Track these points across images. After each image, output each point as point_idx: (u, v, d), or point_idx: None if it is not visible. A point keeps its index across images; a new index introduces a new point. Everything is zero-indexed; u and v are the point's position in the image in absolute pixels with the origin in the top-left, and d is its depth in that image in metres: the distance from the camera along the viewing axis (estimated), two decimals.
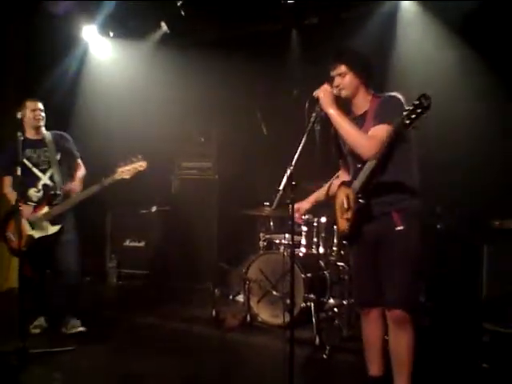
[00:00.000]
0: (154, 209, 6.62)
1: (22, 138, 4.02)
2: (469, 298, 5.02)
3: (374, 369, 3.15)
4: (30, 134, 4.40)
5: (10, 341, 3.70)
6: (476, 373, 3.63)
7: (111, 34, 6.35)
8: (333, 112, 2.87)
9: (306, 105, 2.95)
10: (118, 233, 6.69)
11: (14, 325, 3.70)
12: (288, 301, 4.49)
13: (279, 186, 2.81)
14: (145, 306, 5.43)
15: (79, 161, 4.60)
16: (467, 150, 4.84)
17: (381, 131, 2.74)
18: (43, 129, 4.45)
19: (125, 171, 4.18)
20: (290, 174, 2.77)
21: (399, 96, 2.87)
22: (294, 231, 5.04)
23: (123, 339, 4.32)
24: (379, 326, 3.12)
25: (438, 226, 5.36)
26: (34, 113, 4.34)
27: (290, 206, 2.87)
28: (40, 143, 4.41)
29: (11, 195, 4.28)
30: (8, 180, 4.37)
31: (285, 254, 4.45)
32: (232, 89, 5.92)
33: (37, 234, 4.26)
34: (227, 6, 5.61)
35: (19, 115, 4.27)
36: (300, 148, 2.86)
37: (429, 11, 5.19)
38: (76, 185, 4.41)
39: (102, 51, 6.46)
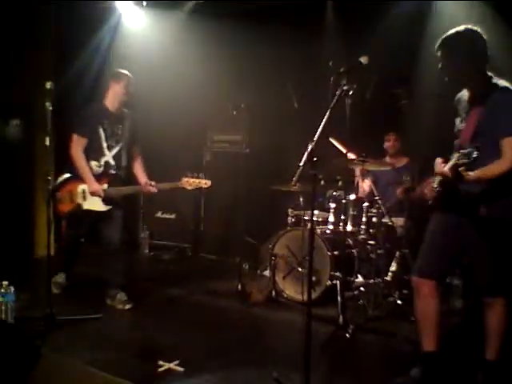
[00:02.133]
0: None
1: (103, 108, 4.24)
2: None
3: (429, 344, 3.09)
4: (112, 107, 4.37)
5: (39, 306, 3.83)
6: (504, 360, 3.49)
7: (144, 3, 6.29)
8: (470, 177, 2.76)
9: (331, 80, 2.84)
10: (150, 205, 6.77)
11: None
12: (314, 278, 4.49)
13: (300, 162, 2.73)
14: (173, 277, 5.51)
15: (139, 149, 4.58)
16: None
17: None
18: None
19: (189, 182, 4.27)
20: (311, 149, 2.68)
21: None
22: (323, 208, 5.04)
23: (149, 310, 4.38)
24: (434, 300, 3.06)
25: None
26: (127, 88, 4.34)
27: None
28: (117, 119, 4.39)
29: (80, 159, 4.26)
30: (79, 141, 4.30)
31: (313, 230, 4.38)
32: (264, 60, 5.80)
33: (85, 206, 4.31)
34: None
35: (111, 84, 4.33)
36: (323, 124, 2.74)
37: None
38: (153, 188, 4.36)
39: (135, 21, 6.43)
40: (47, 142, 3.85)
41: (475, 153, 2.64)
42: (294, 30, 5.62)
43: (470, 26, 2.92)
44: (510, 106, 2.78)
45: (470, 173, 2.74)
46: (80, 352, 3.40)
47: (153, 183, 4.35)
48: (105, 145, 4.33)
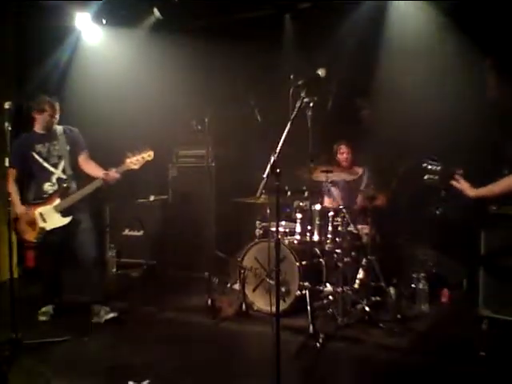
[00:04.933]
0: (151, 198, 6.61)
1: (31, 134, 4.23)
2: (468, 285, 5.02)
3: None
4: (40, 129, 4.43)
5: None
6: (474, 361, 3.58)
7: (104, 21, 6.27)
8: (483, 193, 3.02)
9: (291, 92, 2.89)
10: (117, 222, 6.68)
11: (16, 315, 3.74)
12: (283, 289, 4.52)
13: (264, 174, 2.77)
14: (142, 295, 5.44)
15: (86, 153, 4.55)
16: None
17: None
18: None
19: (133, 161, 4.21)
20: (274, 161, 2.72)
21: None
22: (290, 218, 5.09)
23: (119, 329, 4.32)
24: None
25: (438, 212, 5.33)
26: (51, 116, 4.37)
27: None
28: (49, 137, 4.42)
29: (12, 190, 4.29)
30: (12, 173, 4.35)
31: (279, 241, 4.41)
32: (225, 75, 5.85)
33: (48, 226, 4.31)
34: None
35: (34, 111, 4.34)
36: (284, 136, 2.80)
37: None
38: (113, 173, 4.28)
39: (94, 39, 6.39)
40: (6, 163, 3.80)
41: None
42: (254, 44, 5.69)
43: None
44: None
45: None
46: (48, 376, 3.33)
47: (115, 170, 4.27)
48: (47, 165, 4.38)
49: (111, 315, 4.34)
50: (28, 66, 6.02)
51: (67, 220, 4.30)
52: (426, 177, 3.36)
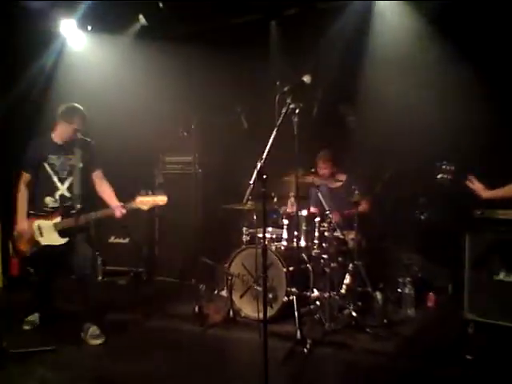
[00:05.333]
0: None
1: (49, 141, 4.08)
2: (453, 289, 5.07)
3: None
4: (60, 140, 4.24)
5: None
6: (460, 364, 3.61)
7: (89, 27, 6.25)
8: (495, 195, 3.33)
9: (276, 98, 2.91)
10: (102, 230, 6.62)
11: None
12: (270, 295, 4.52)
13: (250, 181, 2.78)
14: (129, 303, 5.39)
15: (101, 172, 4.40)
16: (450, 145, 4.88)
17: None
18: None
19: (144, 202, 4.07)
20: (260, 167, 2.73)
21: None
22: (277, 225, 5.10)
23: (107, 337, 4.24)
24: None
25: (422, 217, 5.39)
26: (78, 128, 4.15)
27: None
28: (66, 150, 4.23)
29: (18, 194, 4.18)
30: (23, 176, 4.24)
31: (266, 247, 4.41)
32: (212, 81, 5.86)
33: (43, 242, 4.18)
34: None
35: (60, 119, 4.18)
36: (270, 142, 2.81)
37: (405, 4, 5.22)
38: (119, 207, 4.13)
39: (79, 45, 6.38)
40: None
41: None
42: (239, 51, 5.71)
43: None
44: None
45: None
46: None
47: (119, 204, 4.15)
48: (55, 179, 4.22)
49: (99, 341, 4.11)
50: (12, 71, 5.96)
51: (63, 241, 4.14)
52: (439, 176, 3.54)
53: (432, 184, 5.09)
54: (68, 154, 4.23)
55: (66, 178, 4.24)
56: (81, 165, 4.16)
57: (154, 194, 4.10)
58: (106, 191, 4.33)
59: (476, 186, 3.61)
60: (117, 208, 4.12)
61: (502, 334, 3.93)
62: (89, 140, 4.33)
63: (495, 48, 4.77)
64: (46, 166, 4.20)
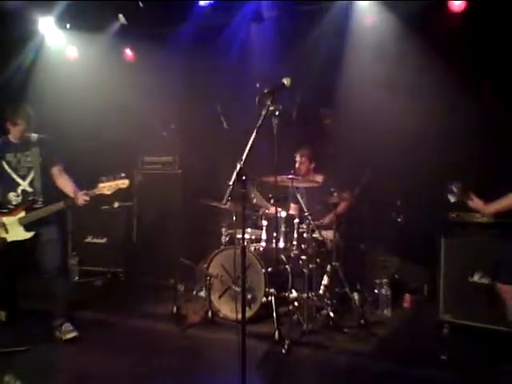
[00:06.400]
0: (116, 204, 6.50)
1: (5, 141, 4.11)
2: (428, 290, 5.15)
3: None
4: (14, 138, 4.29)
5: None
6: (435, 365, 3.67)
7: (68, 25, 6.18)
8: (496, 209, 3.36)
9: (256, 100, 2.92)
10: (79, 230, 6.55)
11: None
12: (249, 296, 4.53)
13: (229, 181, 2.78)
14: (107, 303, 5.34)
15: (61, 166, 4.38)
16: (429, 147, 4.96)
17: None
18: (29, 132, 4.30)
19: (106, 187, 4.09)
20: (240, 169, 2.74)
21: None
22: (256, 225, 5.11)
23: (83, 338, 4.20)
24: None
25: (399, 220, 5.46)
26: (25, 129, 4.22)
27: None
28: (22, 147, 4.28)
29: None
30: None
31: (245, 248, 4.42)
32: (192, 81, 5.85)
33: (9, 238, 4.19)
34: None
35: (8, 122, 4.20)
36: (250, 143, 2.82)
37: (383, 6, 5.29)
38: (83, 195, 4.12)
39: (58, 43, 6.29)
40: None
41: None
42: (220, 50, 5.72)
43: None
44: None
45: None
46: None
47: (85, 192, 4.13)
48: (15, 176, 4.26)
49: (72, 335, 4.14)
50: None
51: (29, 235, 4.18)
52: (449, 196, 3.55)
53: (408, 187, 5.23)
54: (24, 151, 4.28)
55: (26, 175, 4.27)
56: (40, 160, 4.27)
57: (115, 178, 4.11)
58: (66, 184, 4.33)
59: (476, 203, 3.55)
60: (79, 195, 4.13)
61: (476, 335, 4.01)
62: (44, 137, 4.38)
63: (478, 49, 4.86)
64: (4, 164, 4.26)
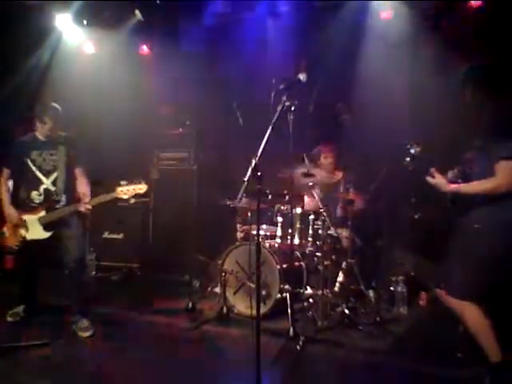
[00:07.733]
0: (132, 200, 6.50)
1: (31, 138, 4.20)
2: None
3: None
4: (40, 135, 4.34)
5: None
6: (451, 362, 3.63)
7: (85, 22, 6.23)
8: (454, 189, 3.16)
9: (272, 96, 2.91)
10: (97, 225, 6.61)
11: None
12: (263, 292, 4.53)
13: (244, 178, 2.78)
14: (122, 298, 5.37)
15: (83, 167, 4.42)
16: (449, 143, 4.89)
17: None
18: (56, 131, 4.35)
19: (124, 191, 4.12)
20: (255, 165, 2.73)
21: None
22: (272, 222, 5.11)
23: (99, 333, 4.24)
24: None
25: (416, 216, 5.40)
26: (54, 128, 4.28)
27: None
28: (49, 146, 4.32)
29: (3, 195, 4.33)
30: (6, 173, 4.38)
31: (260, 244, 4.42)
32: (209, 78, 5.85)
33: (29, 236, 4.24)
34: None
35: (36, 119, 4.25)
36: (265, 139, 2.81)
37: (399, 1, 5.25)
38: (86, 205, 4.18)
39: (75, 40, 6.35)
40: None
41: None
42: (237, 47, 5.71)
43: None
44: None
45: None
46: (21, 380, 3.30)
47: (86, 200, 4.19)
48: (39, 174, 4.29)
49: (88, 334, 4.17)
50: (9, 66, 5.94)
51: (47, 235, 4.21)
52: (407, 159, 3.38)
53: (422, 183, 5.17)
54: (51, 149, 4.32)
55: (50, 173, 4.31)
56: (65, 160, 4.31)
57: (133, 183, 4.14)
58: (81, 188, 4.36)
59: (438, 179, 3.26)
60: (81, 204, 4.18)
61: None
62: (71, 136, 4.43)
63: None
64: (29, 162, 4.29)
